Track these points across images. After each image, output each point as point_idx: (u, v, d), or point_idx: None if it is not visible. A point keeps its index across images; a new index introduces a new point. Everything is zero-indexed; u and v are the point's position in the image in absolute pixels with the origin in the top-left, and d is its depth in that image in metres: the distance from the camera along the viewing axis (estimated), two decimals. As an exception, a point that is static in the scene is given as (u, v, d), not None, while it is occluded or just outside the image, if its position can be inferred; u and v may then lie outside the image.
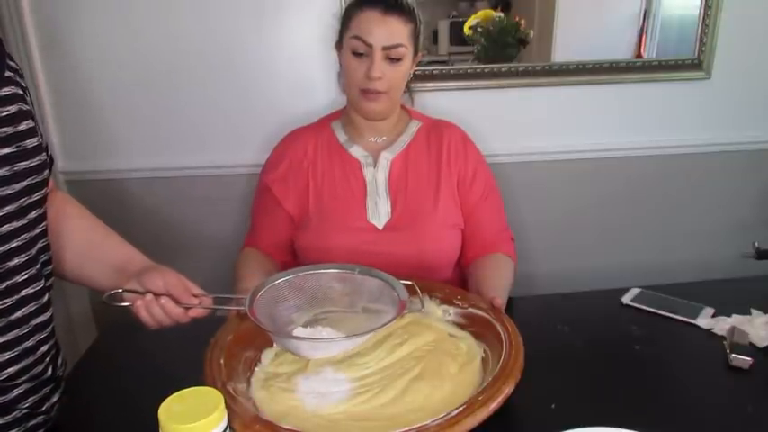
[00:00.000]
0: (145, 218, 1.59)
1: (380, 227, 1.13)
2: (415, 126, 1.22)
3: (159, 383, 0.88)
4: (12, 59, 0.73)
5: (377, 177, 1.16)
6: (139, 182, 1.58)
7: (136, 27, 1.45)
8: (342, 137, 1.20)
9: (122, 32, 1.45)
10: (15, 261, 0.68)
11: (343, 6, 1.39)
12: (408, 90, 1.28)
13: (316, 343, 0.76)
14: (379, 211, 1.14)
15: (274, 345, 0.89)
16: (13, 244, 0.68)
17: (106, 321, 1.13)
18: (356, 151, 1.18)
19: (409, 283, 0.84)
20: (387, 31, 1.06)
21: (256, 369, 0.84)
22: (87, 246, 0.83)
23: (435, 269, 1.15)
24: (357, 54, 1.08)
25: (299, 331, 0.81)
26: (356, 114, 1.18)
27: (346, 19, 1.11)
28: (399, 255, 1.11)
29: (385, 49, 1.06)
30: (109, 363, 0.99)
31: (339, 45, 1.15)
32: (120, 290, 0.75)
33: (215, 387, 0.72)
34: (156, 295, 0.75)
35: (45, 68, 1.46)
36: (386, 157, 1.17)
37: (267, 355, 0.87)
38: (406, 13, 1.08)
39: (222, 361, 0.78)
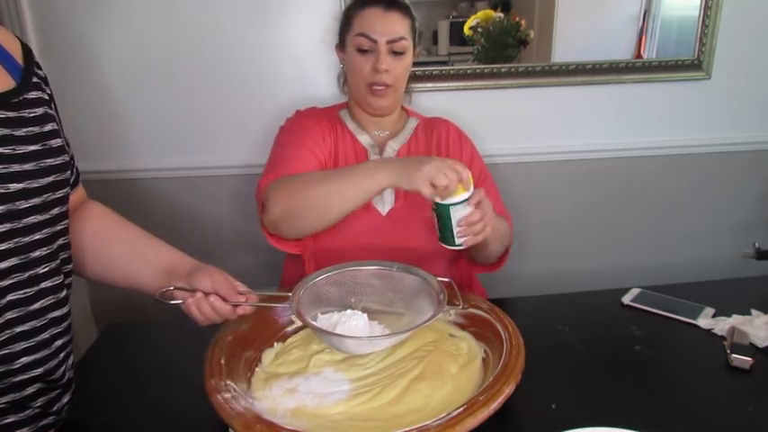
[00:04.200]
0: (150, 217, 1.59)
1: (384, 213, 1.16)
2: (413, 123, 1.27)
3: (160, 383, 0.89)
4: (39, 68, 0.78)
5: None
6: (142, 182, 1.58)
7: (138, 26, 1.45)
8: (351, 124, 1.24)
9: (124, 32, 1.45)
10: (37, 253, 0.71)
11: (342, 8, 1.40)
12: (407, 90, 1.30)
13: (360, 341, 0.77)
14: (384, 198, 1.17)
15: (275, 345, 0.89)
16: (36, 236, 0.71)
17: (106, 321, 1.14)
18: (365, 139, 1.22)
19: (446, 280, 0.86)
20: (389, 25, 1.12)
21: (257, 369, 0.84)
22: (137, 250, 0.87)
23: (434, 257, 1.16)
24: (362, 51, 1.14)
25: (342, 328, 0.81)
26: (360, 110, 1.22)
27: (347, 19, 1.17)
28: (400, 242, 1.13)
29: (389, 42, 1.12)
30: (110, 362, 0.99)
31: (341, 46, 1.20)
32: (171, 288, 0.79)
33: (215, 387, 0.73)
34: (205, 294, 0.78)
35: (45, 69, 1.45)
36: (392, 147, 1.22)
37: (267, 356, 0.87)
38: (404, 8, 1.16)
39: (222, 361, 0.78)
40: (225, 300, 0.78)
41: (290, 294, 0.81)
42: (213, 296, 0.77)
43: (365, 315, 0.82)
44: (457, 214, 0.92)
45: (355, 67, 1.15)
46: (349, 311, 0.83)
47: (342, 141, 1.21)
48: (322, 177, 1.01)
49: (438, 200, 0.91)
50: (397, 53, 1.14)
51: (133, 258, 0.86)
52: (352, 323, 0.80)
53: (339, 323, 0.80)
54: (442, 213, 0.93)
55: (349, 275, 0.89)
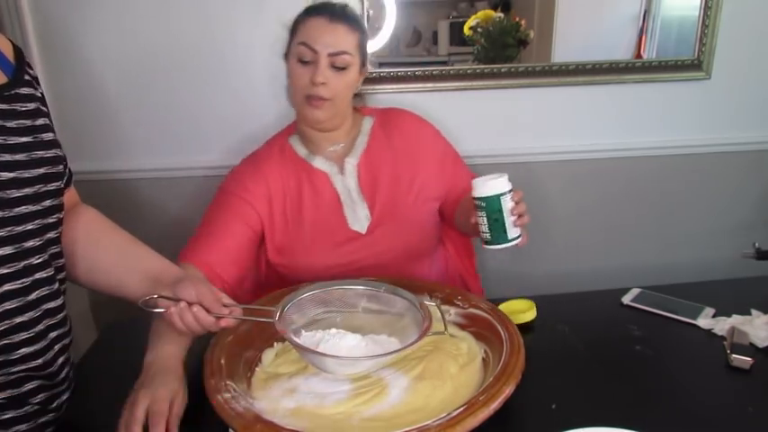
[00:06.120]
0: (141, 218, 1.59)
1: (363, 231, 1.14)
2: (368, 123, 1.22)
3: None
4: (30, 68, 0.79)
5: (347, 185, 1.16)
6: (135, 182, 1.58)
7: (137, 26, 1.45)
8: (302, 151, 1.18)
9: (124, 32, 1.45)
10: (30, 243, 0.72)
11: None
12: (360, 94, 1.24)
13: (342, 360, 0.76)
14: (359, 217, 1.14)
15: (275, 345, 0.89)
16: (29, 226, 0.72)
17: (106, 321, 1.13)
18: (320, 163, 1.16)
19: (433, 304, 0.86)
20: (333, 37, 1.06)
21: (257, 369, 0.84)
22: (124, 256, 0.87)
23: (422, 253, 1.19)
24: (303, 61, 1.07)
25: (326, 346, 0.80)
26: (307, 127, 1.16)
27: (294, 28, 1.11)
28: (385, 251, 1.13)
29: (330, 55, 1.06)
30: (110, 362, 0.99)
31: (287, 55, 1.14)
32: (155, 296, 0.78)
33: (215, 387, 0.73)
34: (189, 304, 0.77)
35: (45, 68, 1.46)
36: (351, 163, 1.16)
37: (267, 356, 0.87)
38: (352, 22, 1.09)
39: (222, 361, 0.78)
40: (208, 311, 0.77)
41: (275, 309, 0.80)
42: (197, 306, 0.76)
43: (348, 334, 0.81)
44: (507, 204, 0.93)
45: (295, 76, 1.09)
46: (333, 330, 0.81)
47: (299, 174, 1.15)
48: None
49: (481, 194, 0.93)
50: (339, 68, 1.07)
51: (119, 265, 0.86)
52: (336, 342, 0.79)
53: (322, 341, 0.79)
54: (492, 208, 0.93)
55: (336, 294, 0.87)
